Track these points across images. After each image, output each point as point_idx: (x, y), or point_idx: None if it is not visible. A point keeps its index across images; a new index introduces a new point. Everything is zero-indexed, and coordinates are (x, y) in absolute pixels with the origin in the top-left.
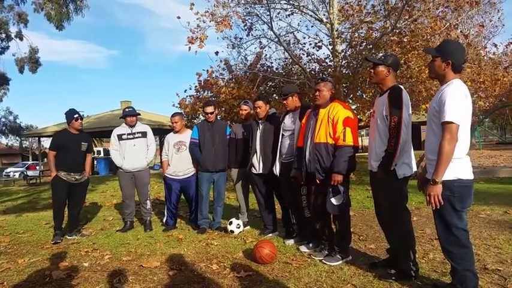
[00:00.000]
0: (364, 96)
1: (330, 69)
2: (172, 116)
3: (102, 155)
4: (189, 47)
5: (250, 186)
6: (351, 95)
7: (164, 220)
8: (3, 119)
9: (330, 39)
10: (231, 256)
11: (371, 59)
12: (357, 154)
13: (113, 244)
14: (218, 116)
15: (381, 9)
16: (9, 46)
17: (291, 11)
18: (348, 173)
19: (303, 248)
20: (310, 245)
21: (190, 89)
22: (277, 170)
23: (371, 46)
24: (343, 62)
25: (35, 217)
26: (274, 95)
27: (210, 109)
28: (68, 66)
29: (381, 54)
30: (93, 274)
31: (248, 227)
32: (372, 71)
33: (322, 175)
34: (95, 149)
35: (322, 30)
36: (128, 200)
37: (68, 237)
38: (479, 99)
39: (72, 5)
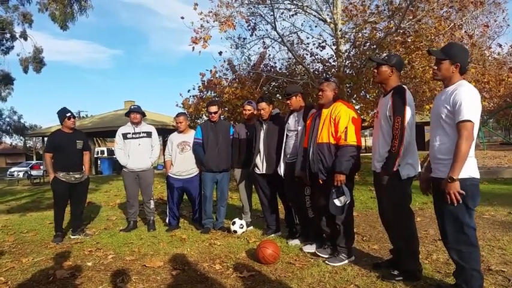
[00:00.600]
0: (368, 97)
1: (333, 70)
2: (177, 116)
3: (105, 154)
4: (193, 47)
5: (253, 186)
6: (355, 95)
7: (167, 220)
8: (7, 119)
9: (334, 40)
10: (234, 256)
11: (374, 59)
12: (360, 154)
13: (117, 244)
14: (221, 116)
15: (384, 10)
16: (13, 46)
17: (295, 11)
18: (352, 173)
19: (306, 249)
20: (314, 245)
21: (194, 89)
22: (281, 170)
23: (375, 46)
24: (347, 62)
25: (39, 216)
26: (278, 95)
27: (213, 109)
28: (72, 66)
29: (384, 54)
30: (96, 273)
31: (251, 227)
32: (376, 71)
33: (325, 175)
34: (98, 149)
35: (326, 31)
36: (132, 199)
37: (72, 237)
38: (483, 99)
39: (76, 5)
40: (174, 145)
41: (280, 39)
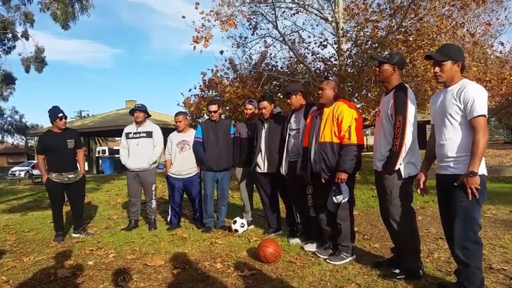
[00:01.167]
0: (370, 95)
1: (335, 68)
2: (176, 115)
3: (107, 154)
4: (194, 46)
5: (254, 185)
6: (356, 94)
7: (168, 219)
8: (9, 118)
9: (335, 38)
10: (235, 255)
11: (376, 57)
12: (362, 153)
13: (118, 243)
14: (223, 115)
15: (386, 8)
16: (15, 46)
17: (296, 9)
18: (353, 172)
19: (307, 247)
20: (315, 244)
21: (195, 88)
22: (284, 169)
23: (376, 45)
24: (349, 61)
25: (40, 216)
26: (279, 94)
27: (213, 108)
28: (73, 66)
29: (386, 53)
30: (97, 272)
31: (252, 226)
32: (377, 69)
33: (328, 174)
34: (100, 148)
35: (327, 29)
36: (133, 198)
37: (73, 235)
38: None
39: (77, 5)
40: (174, 144)
41: (281, 38)
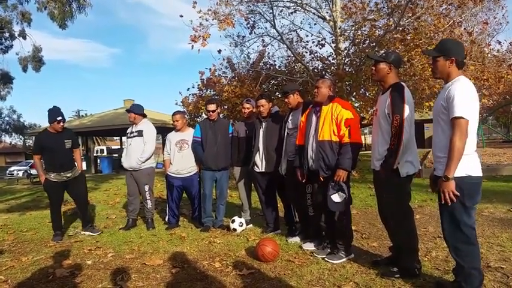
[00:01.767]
0: (367, 94)
1: (332, 67)
2: (173, 114)
3: (105, 153)
4: (192, 46)
5: (252, 184)
6: (354, 93)
7: (166, 219)
8: (6, 118)
9: (333, 37)
10: (234, 254)
11: (372, 56)
12: (360, 152)
13: (116, 242)
14: (221, 115)
15: (384, 7)
16: (12, 45)
17: (294, 8)
18: (350, 170)
19: (306, 246)
20: (313, 243)
21: (193, 87)
22: (283, 168)
23: (374, 44)
24: (346, 59)
25: (39, 215)
26: (277, 93)
27: (212, 107)
28: (71, 65)
29: (382, 52)
30: (96, 272)
31: (251, 225)
32: (374, 68)
33: (326, 172)
34: (98, 148)
35: (325, 28)
36: (131, 197)
37: (82, 232)
38: (483, 96)
39: (75, 4)
40: (173, 144)
41: (279, 37)
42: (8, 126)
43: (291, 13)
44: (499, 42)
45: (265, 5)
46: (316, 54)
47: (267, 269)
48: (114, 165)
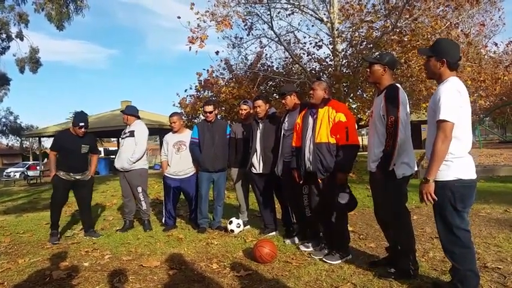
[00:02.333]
0: (365, 96)
1: (330, 69)
2: (171, 116)
3: (102, 154)
4: (190, 47)
5: (250, 185)
6: (352, 95)
7: (163, 220)
8: (3, 119)
9: (331, 39)
10: (231, 255)
11: (367, 58)
12: (357, 153)
13: (113, 244)
14: (218, 116)
15: (381, 9)
16: (10, 46)
17: (291, 10)
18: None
19: (303, 247)
20: (310, 244)
21: (191, 88)
22: (279, 169)
23: (371, 45)
24: (344, 61)
25: (36, 217)
26: (275, 94)
27: (209, 108)
28: (68, 66)
29: (376, 53)
30: (93, 274)
31: (248, 227)
32: (368, 70)
33: (324, 174)
34: None
35: (323, 30)
36: (125, 198)
37: (84, 237)
38: (479, 98)
39: (72, 5)
40: (170, 145)
41: (277, 39)
42: (4, 128)
43: (289, 15)
44: (496, 44)
45: (262, 6)
46: (313, 56)
47: (265, 270)
48: (112, 166)
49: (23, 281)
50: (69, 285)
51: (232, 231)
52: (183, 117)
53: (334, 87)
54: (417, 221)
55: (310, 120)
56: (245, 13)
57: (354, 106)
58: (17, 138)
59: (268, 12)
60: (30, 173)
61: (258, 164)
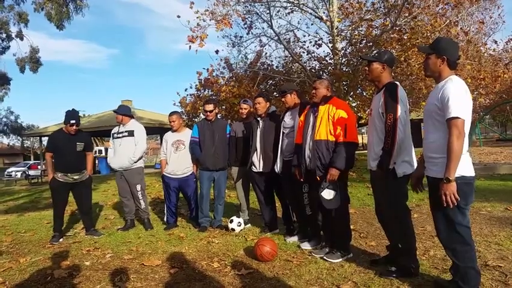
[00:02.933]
0: (365, 94)
1: (330, 67)
2: (170, 115)
3: (103, 154)
4: (190, 46)
5: (250, 184)
6: (351, 93)
7: (165, 219)
8: (4, 119)
9: (330, 37)
10: (232, 254)
11: (365, 56)
12: (356, 152)
13: (114, 243)
14: (219, 115)
15: (380, 7)
16: (10, 46)
17: (291, 9)
18: (346, 169)
19: (304, 246)
20: (311, 242)
21: (191, 87)
22: (278, 167)
23: (371, 44)
24: (343, 59)
25: (37, 216)
26: (275, 93)
27: (209, 107)
28: (68, 66)
29: (375, 51)
30: (94, 273)
31: (249, 225)
32: (367, 68)
33: (322, 172)
34: (96, 148)
35: (322, 28)
36: (124, 198)
37: (86, 236)
38: (479, 96)
39: (72, 5)
40: (169, 144)
41: (276, 38)
42: (5, 127)
43: (288, 13)
44: (495, 42)
45: (262, 5)
46: (313, 54)
47: (266, 269)
48: None
49: (24, 280)
50: (70, 284)
51: (233, 230)
52: (183, 116)
53: (334, 86)
54: (418, 219)
55: (312, 117)
56: (244, 12)
57: (353, 104)
58: (18, 137)
59: (268, 11)
60: (32, 172)
61: (258, 163)
